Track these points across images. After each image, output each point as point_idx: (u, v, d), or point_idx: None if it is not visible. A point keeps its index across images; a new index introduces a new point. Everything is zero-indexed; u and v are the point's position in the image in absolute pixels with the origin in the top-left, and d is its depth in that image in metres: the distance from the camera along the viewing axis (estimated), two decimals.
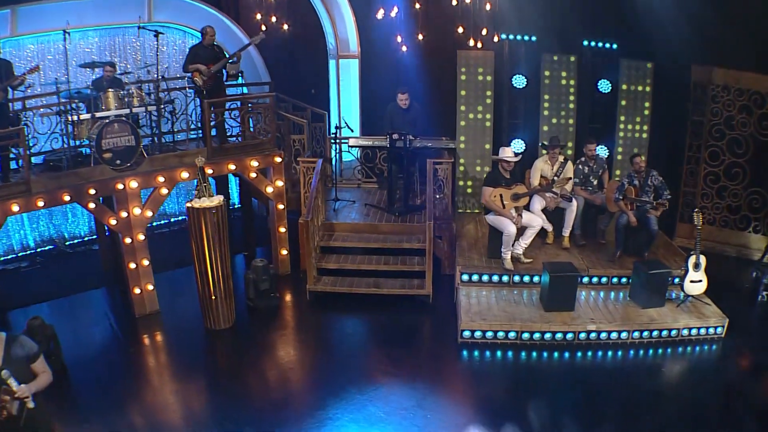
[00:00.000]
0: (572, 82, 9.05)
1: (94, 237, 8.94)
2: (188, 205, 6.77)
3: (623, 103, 9.10)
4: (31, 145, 7.27)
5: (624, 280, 7.44)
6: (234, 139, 8.55)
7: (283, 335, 6.97)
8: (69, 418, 5.45)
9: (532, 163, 8.09)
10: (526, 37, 9.01)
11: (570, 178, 7.66)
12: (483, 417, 5.49)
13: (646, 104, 9.04)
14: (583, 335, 6.69)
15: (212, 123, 7.67)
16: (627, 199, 7.54)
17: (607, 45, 8.94)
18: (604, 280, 7.49)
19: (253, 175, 7.84)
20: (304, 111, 9.24)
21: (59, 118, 7.10)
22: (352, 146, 9.06)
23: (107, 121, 6.94)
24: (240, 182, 9.20)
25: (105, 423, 5.34)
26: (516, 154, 7.40)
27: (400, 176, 8.44)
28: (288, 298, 7.82)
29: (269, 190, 7.98)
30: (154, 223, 9.89)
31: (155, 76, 7.63)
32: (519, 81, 9.16)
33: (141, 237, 7.16)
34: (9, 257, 8.62)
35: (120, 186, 6.97)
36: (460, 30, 8.68)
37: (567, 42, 8.92)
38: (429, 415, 5.49)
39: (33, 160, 7.33)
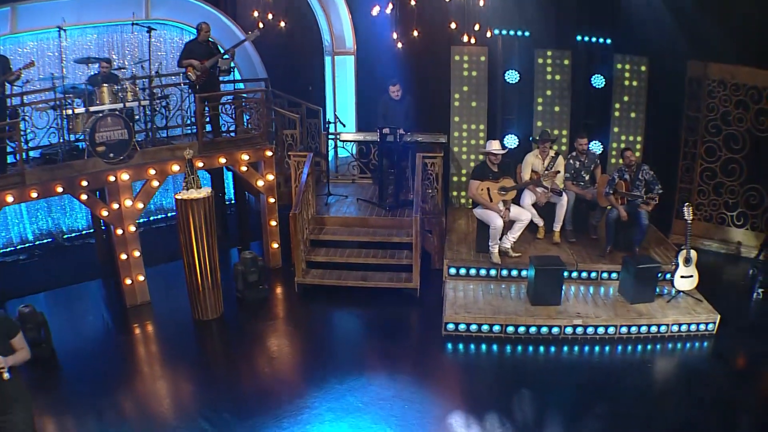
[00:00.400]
0: (566, 78, 9.01)
1: (92, 231, 9.08)
2: (176, 196, 6.87)
3: (617, 98, 9.04)
4: (29, 139, 7.46)
5: (614, 275, 7.38)
6: (229, 134, 8.64)
7: (268, 326, 7.03)
8: (57, 403, 5.58)
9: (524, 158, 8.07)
10: (520, 33, 8.99)
11: (558, 172, 7.62)
12: (462, 409, 5.47)
13: (641, 100, 8.97)
14: (569, 330, 6.65)
15: (205, 117, 7.77)
16: (618, 194, 7.48)
17: (601, 40, 8.88)
18: (593, 275, 7.44)
19: (244, 168, 7.92)
20: (299, 107, 9.33)
21: (56, 112, 7.26)
22: (343, 141, 9.11)
23: (101, 115, 7.08)
24: (234, 177, 9.29)
25: (92, 407, 5.46)
26: (504, 147, 7.39)
27: (391, 171, 8.47)
28: (277, 290, 7.89)
29: (260, 183, 8.06)
30: (151, 218, 10.05)
31: (149, 71, 7.74)
32: (512, 76, 9.14)
33: (132, 228, 7.27)
34: (8, 250, 8.81)
35: (112, 178, 7.09)
36: (453, 26, 8.67)
37: (561, 37, 8.90)
38: (407, 405, 5.49)
39: (31, 154, 7.52)
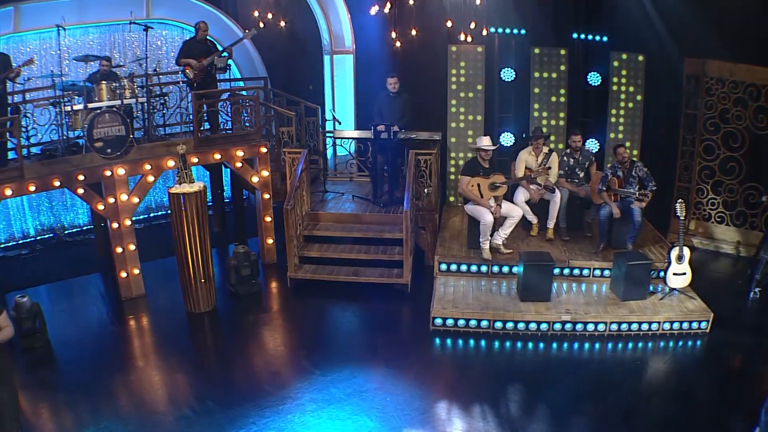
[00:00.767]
0: (562, 76, 8.99)
1: (92, 227, 9.24)
2: (170, 190, 6.98)
3: (614, 96, 8.99)
4: (30, 135, 7.63)
5: (606, 272, 7.34)
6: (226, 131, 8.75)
7: (259, 319, 7.09)
8: (48, 389, 5.72)
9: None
10: (516, 30, 9.00)
11: (549, 168, 7.60)
12: (443, 402, 5.50)
13: (638, 97, 8.93)
14: (557, 326, 6.62)
15: (200, 114, 7.88)
16: (610, 191, 7.44)
17: (598, 37, 8.85)
18: (585, 272, 7.40)
19: (238, 164, 8.01)
20: (298, 105, 9.40)
21: (56, 109, 7.43)
22: (337, 138, 9.17)
23: (99, 111, 7.22)
24: (232, 175, 9.40)
25: (82, 394, 5.58)
26: (494, 143, 7.39)
27: (386, 168, 8.51)
28: (270, 285, 7.96)
29: (255, 179, 8.14)
30: (152, 215, 10.19)
31: (146, 69, 7.88)
32: (508, 74, 9.14)
33: (128, 222, 7.39)
34: (10, 244, 8.99)
35: (108, 173, 7.22)
36: (449, 24, 8.71)
37: (557, 35, 8.88)
38: (388, 397, 5.51)
39: (33, 150, 7.70)
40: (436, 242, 7.99)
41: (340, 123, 8.91)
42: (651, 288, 7.02)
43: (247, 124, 8.63)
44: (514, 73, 9.15)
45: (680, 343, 6.55)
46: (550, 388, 5.72)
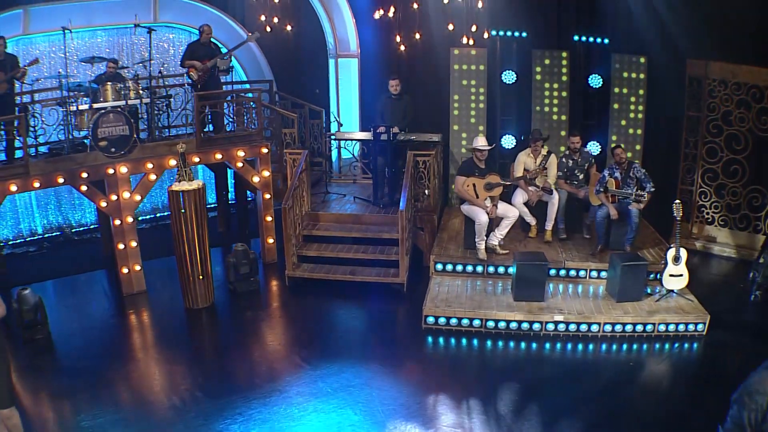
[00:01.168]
0: (564, 78, 8.98)
1: (99, 225, 9.44)
2: (169, 188, 7.13)
3: (616, 98, 8.95)
4: (39, 134, 7.88)
5: (603, 273, 7.28)
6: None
7: (255, 315, 7.18)
8: (47, 378, 5.88)
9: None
10: (517, 33, 9.02)
11: (545, 169, 7.59)
12: (430, 398, 5.50)
13: (640, 99, 8.86)
14: (550, 326, 6.59)
15: (203, 115, 8.03)
16: (608, 192, 7.41)
17: (599, 40, 8.83)
18: (582, 273, 7.36)
19: (240, 165, 8.15)
20: (302, 108, 9.54)
21: (62, 109, 7.65)
22: (338, 140, 9.26)
23: (103, 111, 7.42)
24: (235, 176, 9.54)
25: (80, 383, 5.71)
26: (490, 144, 7.41)
27: (386, 170, 8.56)
28: (268, 283, 8.05)
29: (255, 179, 8.27)
30: (158, 215, 10.37)
31: (150, 71, 8.07)
32: (509, 77, 9.17)
33: (129, 219, 7.55)
34: (18, 241, 9.23)
35: (111, 171, 7.40)
36: (451, 27, 8.78)
37: (558, 37, 8.89)
38: (375, 393, 5.52)
39: (41, 149, 7.94)
40: (434, 243, 8.02)
41: (341, 125, 9.00)
42: (648, 290, 6.96)
43: (251, 126, 8.78)
44: (515, 75, 9.17)
45: (676, 345, 6.46)
46: (539, 386, 5.69)
